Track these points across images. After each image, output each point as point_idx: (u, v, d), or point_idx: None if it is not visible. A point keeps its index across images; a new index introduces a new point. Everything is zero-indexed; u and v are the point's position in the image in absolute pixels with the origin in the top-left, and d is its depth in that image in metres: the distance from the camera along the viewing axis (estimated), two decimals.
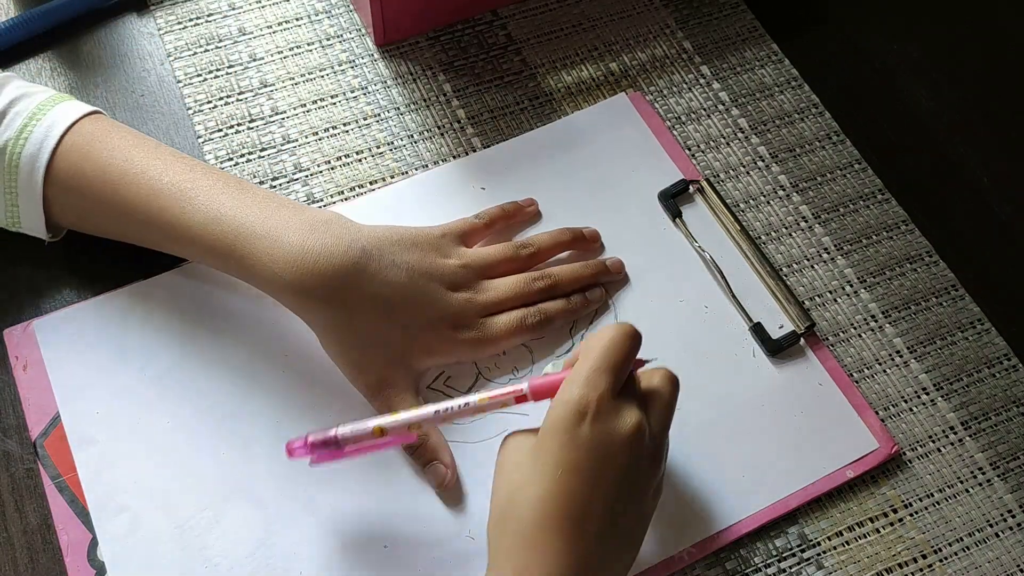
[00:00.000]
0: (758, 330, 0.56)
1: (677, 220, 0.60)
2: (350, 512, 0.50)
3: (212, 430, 0.52)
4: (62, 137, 0.52)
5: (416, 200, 0.60)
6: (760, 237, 0.61)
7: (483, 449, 0.52)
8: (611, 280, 0.58)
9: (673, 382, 0.46)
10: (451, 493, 0.51)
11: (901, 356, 0.57)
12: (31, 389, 0.53)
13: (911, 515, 0.53)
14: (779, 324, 0.57)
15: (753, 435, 0.53)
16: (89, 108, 0.54)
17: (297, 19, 0.68)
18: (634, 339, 0.45)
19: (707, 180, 0.61)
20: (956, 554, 0.52)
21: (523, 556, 0.41)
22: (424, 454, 0.51)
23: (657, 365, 0.47)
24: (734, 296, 0.57)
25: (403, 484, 0.51)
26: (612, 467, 0.42)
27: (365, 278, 0.49)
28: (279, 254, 0.49)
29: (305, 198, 0.60)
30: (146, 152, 0.52)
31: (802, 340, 0.56)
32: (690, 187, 0.61)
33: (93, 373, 0.53)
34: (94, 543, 0.49)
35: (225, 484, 0.50)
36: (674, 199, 0.61)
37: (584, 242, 0.58)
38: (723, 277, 0.58)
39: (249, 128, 0.63)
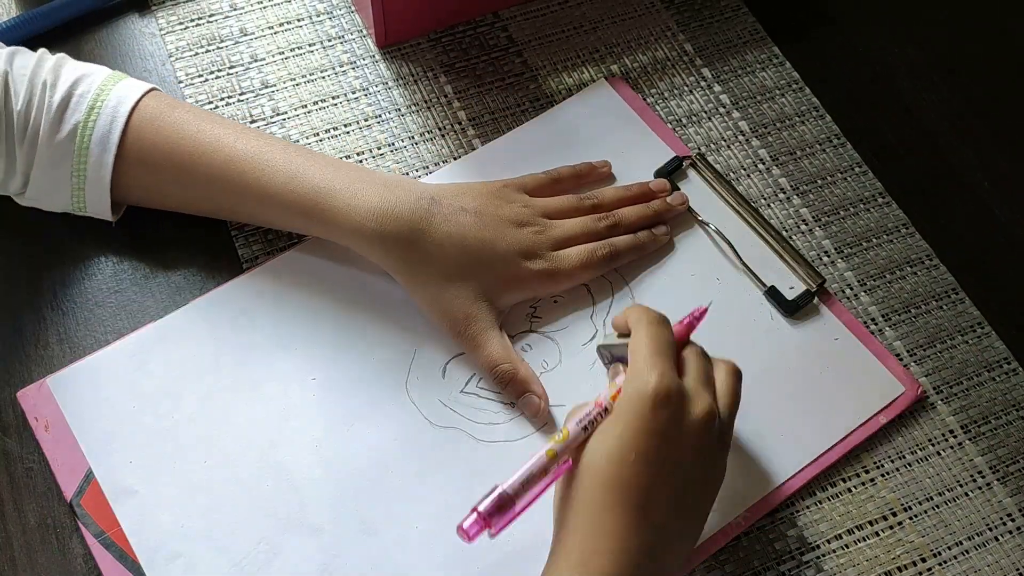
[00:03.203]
0: (773, 293, 0.57)
1: None
2: (406, 524, 0.49)
3: (252, 461, 0.51)
4: (130, 115, 0.54)
5: None
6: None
7: (528, 446, 0.52)
8: (675, 215, 0.59)
9: (737, 375, 0.48)
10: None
11: (901, 359, 0.57)
12: (57, 449, 0.51)
13: (910, 519, 0.53)
14: (790, 285, 0.57)
15: (783, 398, 0.53)
16: (148, 85, 0.56)
17: (298, 20, 0.68)
18: (665, 322, 0.47)
19: (698, 154, 0.62)
20: (955, 558, 0.52)
21: (590, 535, 0.42)
22: (516, 387, 0.52)
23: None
24: (744, 263, 0.58)
25: (455, 489, 0.50)
26: (682, 454, 0.43)
27: (438, 220, 0.53)
28: (360, 205, 0.52)
29: None
30: (214, 123, 0.55)
31: (816, 298, 0.57)
32: (683, 163, 0.62)
33: (118, 423, 0.51)
34: None
35: (275, 515, 0.49)
36: (669, 177, 0.61)
37: (651, 195, 0.60)
38: (730, 246, 0.58)
39: None
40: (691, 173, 0.62)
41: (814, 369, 0.54)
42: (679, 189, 0.60)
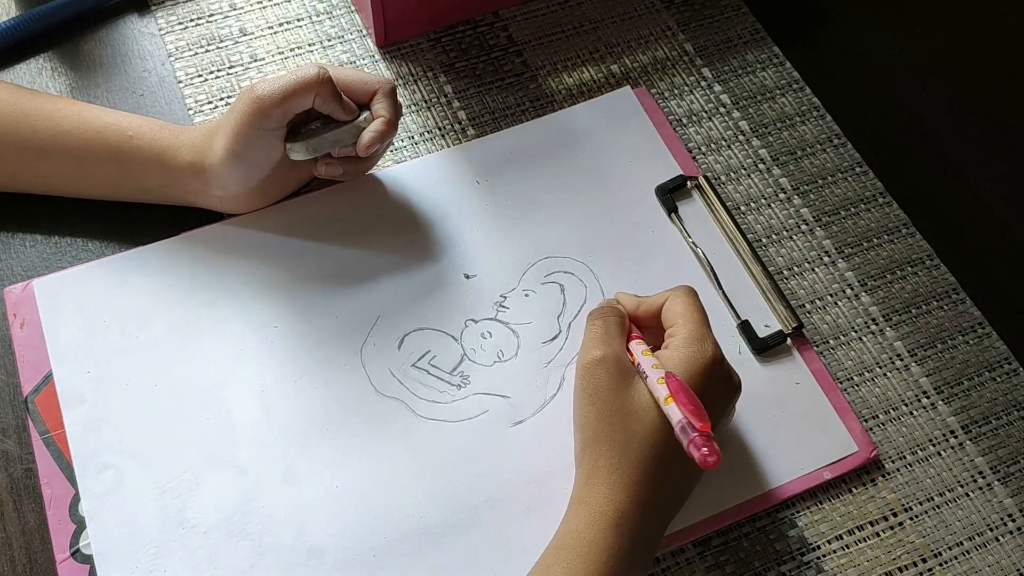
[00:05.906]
0: (745, 328, 0.56)
1: (673, 215, 0.60)
2: (328, 482, 0.51)
3: (198, 395, 0.53)
4: None
5: (410, 185, 0.60)
6: (760, 240, 0.61)
7: (463, 429, 0.53)
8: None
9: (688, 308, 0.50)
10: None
11: (902, 360, 0.57)
12: (26, 346, 0.54)
13: (911, 519, 0.52)
14: (766, 323, 0.57)
15: (733, 432, 0.53)
16: None
17: (298, 20, 0.68)
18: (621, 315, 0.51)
19: (705, 178, 0.61)
20: (956, 558, 0.52)
21: (619, 481, 0.46)
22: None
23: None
24: (724, 293, 0.57)
25: (384, 458, 0.51)
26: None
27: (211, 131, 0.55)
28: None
29: None
30: (34, 94, 0.56)
31: (789, 341, 0.56)
32: (688, 183, 0.61)
33: (87, 334, 0.54)
34: (76, 499, 0.50)
35: (207, 449, 0.51)
36: (671, 194, 0.61)
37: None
38: (714, 274, 0.58)
39: None
40: (695, 195, 0.61)
41: (771, 410, 0.54)
42: (677, 209, 0.60)
